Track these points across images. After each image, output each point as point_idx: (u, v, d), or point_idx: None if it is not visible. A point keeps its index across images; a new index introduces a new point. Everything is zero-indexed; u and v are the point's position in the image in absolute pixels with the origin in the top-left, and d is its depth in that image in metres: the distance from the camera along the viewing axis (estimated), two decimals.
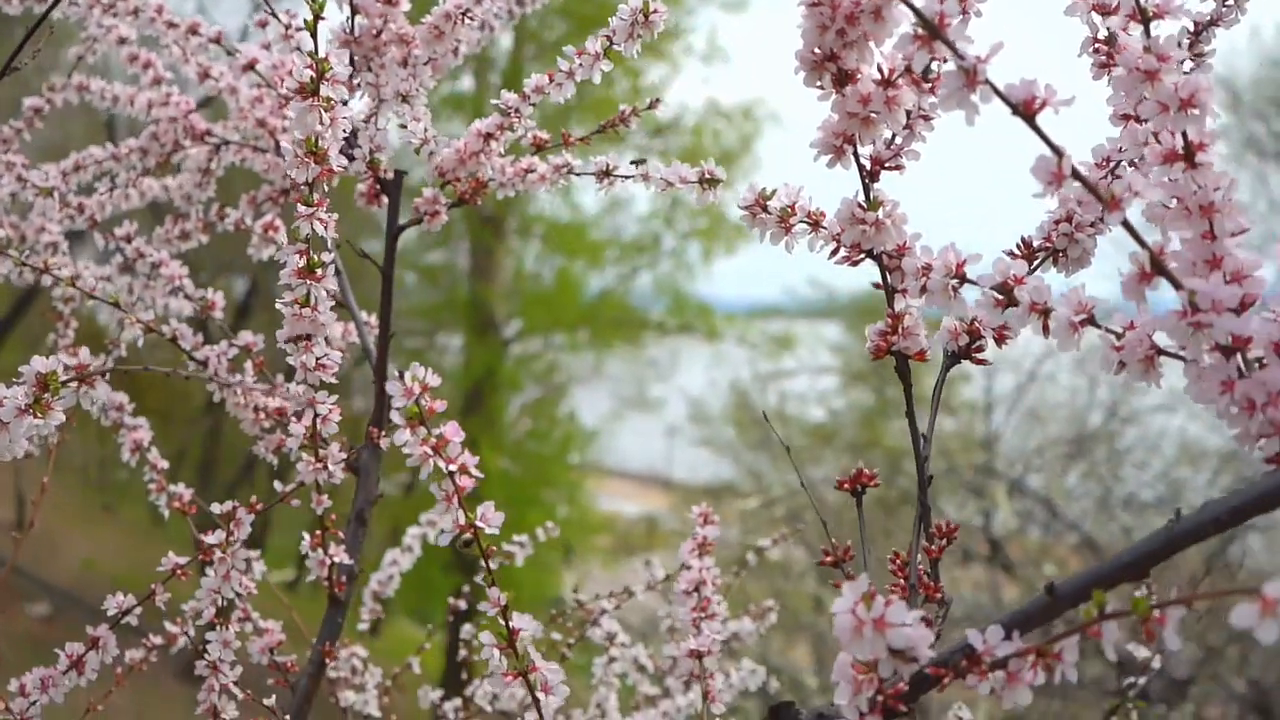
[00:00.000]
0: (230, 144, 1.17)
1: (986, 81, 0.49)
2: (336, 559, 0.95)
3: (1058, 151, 0.50)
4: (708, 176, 0.83)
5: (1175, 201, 0.54)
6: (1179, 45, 0.71)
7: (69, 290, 1.22)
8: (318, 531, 0.94)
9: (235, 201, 1.25)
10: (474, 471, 0.61)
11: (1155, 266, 0.51)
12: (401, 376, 0.59)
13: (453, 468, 0.60)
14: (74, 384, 0.64)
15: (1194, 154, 0.53)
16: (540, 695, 0.63)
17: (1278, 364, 0.51)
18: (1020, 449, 6.73)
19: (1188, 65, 0.71)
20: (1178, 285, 0.50)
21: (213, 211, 1.20)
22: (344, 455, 0.89)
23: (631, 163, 0.95)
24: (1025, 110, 0.50)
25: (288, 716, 0.92)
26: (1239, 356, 0.51)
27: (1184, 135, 0.53)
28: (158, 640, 1.10)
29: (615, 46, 0.87)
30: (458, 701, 1.31)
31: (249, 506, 0.90)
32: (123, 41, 1.18)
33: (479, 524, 0.62)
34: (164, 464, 1.08)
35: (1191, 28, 0.72)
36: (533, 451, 11.11)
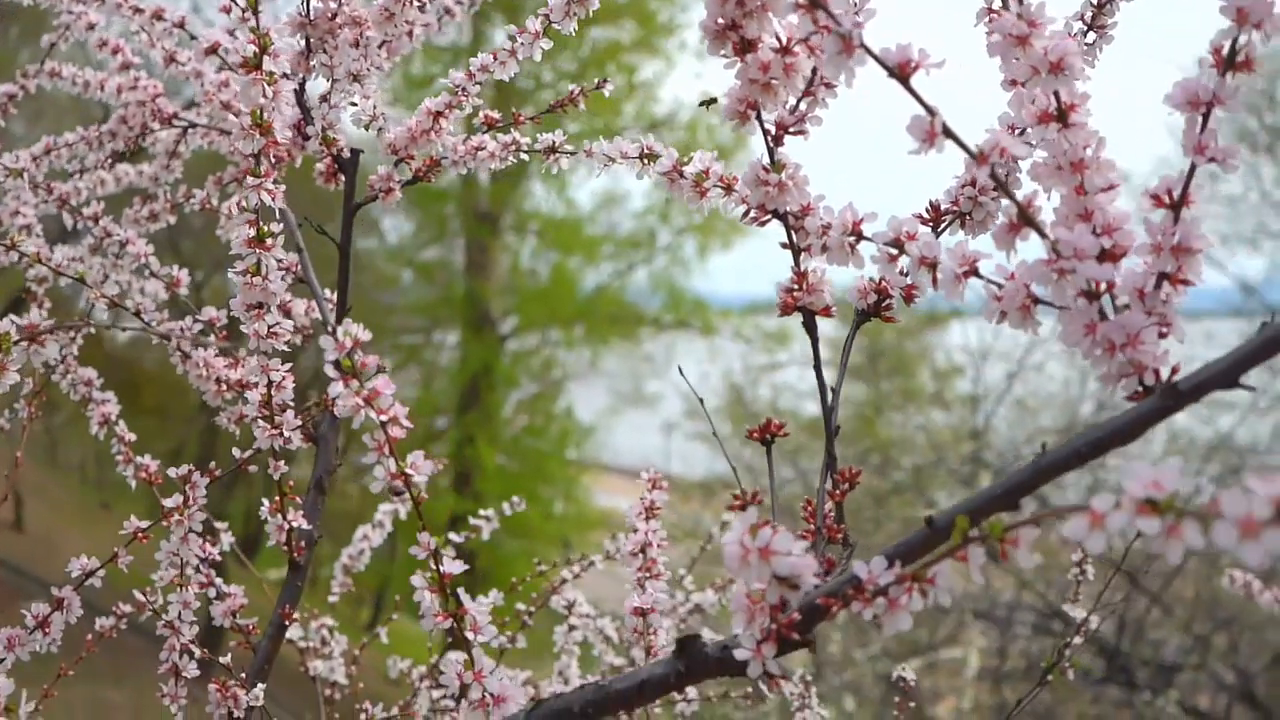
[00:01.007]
0: (197, 127, 1.21)
1: (863, 46, 0.53)
2: (295, 524, 0.99)
3: (931, 111, 0.53)
4: (646, 152, 0.87)
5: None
6: (1081, 18, 0.75)
7: (40, 270, 1.26)
8: (276, 498, 0.98)
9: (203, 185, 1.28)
10: (404, 422, 0.65)
11: (1023, 217, 0.54)
12: (334, 333, 0.63)
13: (384, 418, 0.64)
14: (24, 343, 0.67)
15: (1066, 114, 0.57)
16: (470, 635, 0.67)
17: (1140, 309, 0.54)
18: (1011, 439, 6.77)
19: (1091, 37, 0.75)
20: (1044, 235, 0.54)
21: (180, 193, 1.23)
22: (299, 422, 0.93)
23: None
24: (900, 73, 0.53)
25: (244, 674, 0.96)
26: (1103, 302, 0.54)
27: (1056, 96, 0.56)
28: (126, 608, 1.14)
29: (554, 24, 0.90)
30: (423, 669, 1.35)
31: (206, 472, 0.94)
32: (92, 27, 1.22)
33: (409, 472, 0.65)
34: (132, 436, 1.11)
35: (1095, 1, 0.75)
36: (530, 447, 11.14)
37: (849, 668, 5.32)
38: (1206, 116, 0.55)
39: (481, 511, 1.37)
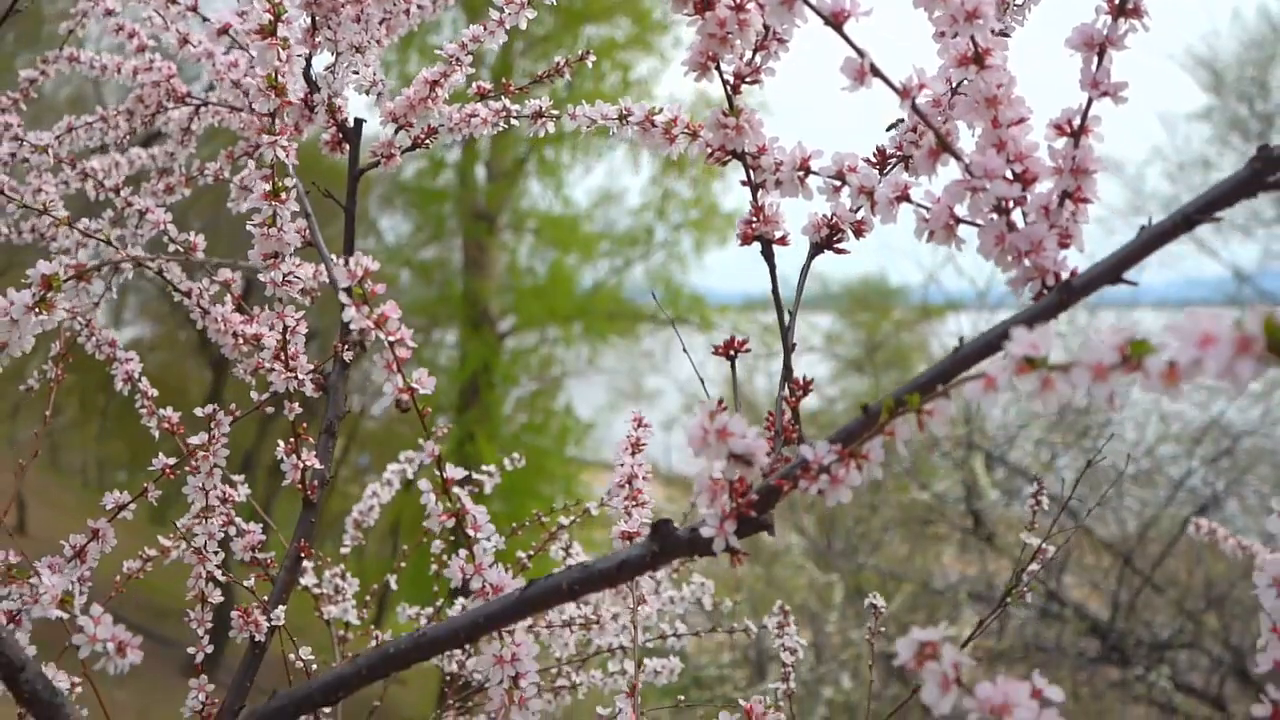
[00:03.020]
0: (209, 104, 1.29)
1: None
2: (309, 464, 1.07)
3: (860, 53, 0.62)
4: (624, 113, 0.95)
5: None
6: None
7: (64, 243, 1.34)
8: (291, 439, 1.06)
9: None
10: (409, 343, 0.73)
11: (940, 144, 0.63)
12: (346, 262, 0.71)
13: (393, 339, 0.72)
14: (73, 280, 0.75)
15: (982, 58, 0.65)
16: (471, 533, 0.75)
17: (1043, 223, 0.63)
18: (1003, 423, 6.86)
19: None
20: (959, 158, 0.62)
21: (194, 167, 1.32)
22: (312, 366, 1.01)
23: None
24: (835, 20, 0.62)
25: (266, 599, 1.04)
26: (1014, 218, 0.63)
27: (973, 41, 0.65)
28: (152, 552, 1.22)
29: None
30: (429, 611, 1.43)
31: (228, 411, 1.03)
32: (109, 13, 1.30)
33: (415, 385, 0.74)
34: (154, 391, 1.20)
35: None
36: (529, 444, 11.21)
37: (847, 648, 5.41)
38: (1101, 55, 0.63)
39: (484, 467, 1.45)
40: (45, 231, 1.47)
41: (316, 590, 1.38)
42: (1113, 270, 0.58)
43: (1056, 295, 0.59)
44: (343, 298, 0.72)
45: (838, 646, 5.39)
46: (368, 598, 1.42)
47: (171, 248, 1.19)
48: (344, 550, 1.45)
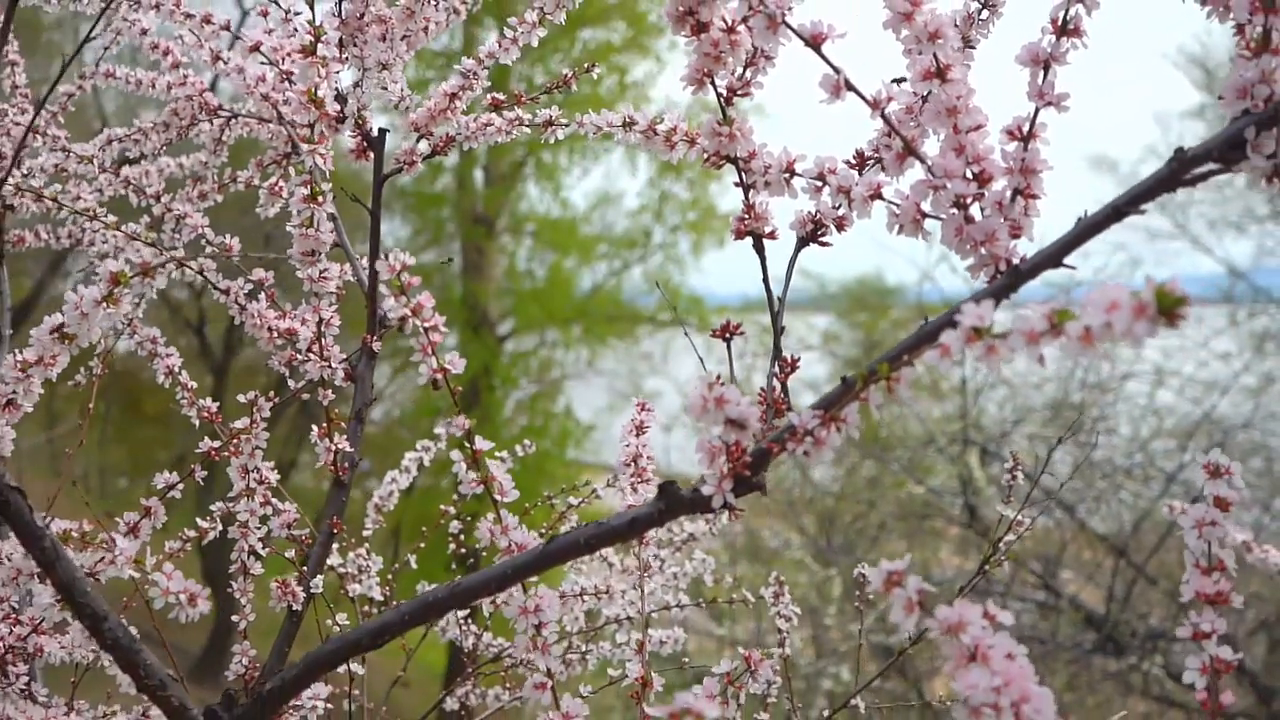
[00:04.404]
0: (239, 117, 1.38)
1: (784, 23, 0.71)
2: (340, 448, 1.17)
3: (836, 70, 0.71)
4: (628, 121, 1.04)
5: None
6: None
7: (103, 247, 1.44)
8: (325, 424, 1.16)
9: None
10: (441, 329, 0.83)
11: (907, 149, 0.72)
12: (386, 256, 0.80)
13: (428, 324, 0.82)
14: (139, 276, 0.85)
15: (944, 72, 0.74)
16: (498, 497, 0.84)
17: (997, 217, 0.72)
18: (999, 419, 6.96)
19: (984, 14, 0.93)
20: (923, 161, 0.72)
21: (226, 175, 1.41)
22: (344, 356, 1.11)
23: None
24: (814, 42, 0.71)
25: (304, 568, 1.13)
26: (971, 211, 0.72)
27: (935, 58, 0.74)
28: (191, 534, 1.32)
29: (548, 15, 1.08)
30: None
31: (267, 397, 1.12)
32: (144, 32, 1.39)
33: (447, 366, 0.83)
34: (193, 384, 1.29)
35: None
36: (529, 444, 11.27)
37: (846, 642, 5.50)
38: (1046, 70, 0.72)
39: (498, 454, 1.54)
40: (81, 237, 1.57)
41: (341, 570, 1.47)
42: (1054, 256, 0.68)
43: (1007, 278, 0.69)
44: (383, 288, 0.81)
45: (836, 640, 5.49)
46: (390, 576, 1.51)
47: (208, 249, 1.28)
48: (365, 533, 1.54)
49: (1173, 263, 9.06)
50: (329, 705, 1.08)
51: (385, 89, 1.13)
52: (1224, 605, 0.70)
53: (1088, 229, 0.67)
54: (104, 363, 1.35)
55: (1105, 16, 0.89)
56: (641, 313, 12.33)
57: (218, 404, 1.23)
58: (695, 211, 11.99)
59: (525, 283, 12.25)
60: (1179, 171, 0.65)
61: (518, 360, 12.08)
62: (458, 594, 0.79)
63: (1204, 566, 0.70)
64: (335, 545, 1.46)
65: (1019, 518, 1.33)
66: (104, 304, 0.88)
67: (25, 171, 1.42)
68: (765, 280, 0.85)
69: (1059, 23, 0.72)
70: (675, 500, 0.77)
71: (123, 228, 1.20)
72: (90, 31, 1.04)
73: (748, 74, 0.82)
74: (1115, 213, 0.66)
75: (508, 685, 1.53)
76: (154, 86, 1.43)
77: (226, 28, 1.31)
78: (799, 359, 0.83)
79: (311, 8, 0.91)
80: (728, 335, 0.86)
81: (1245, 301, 8.97)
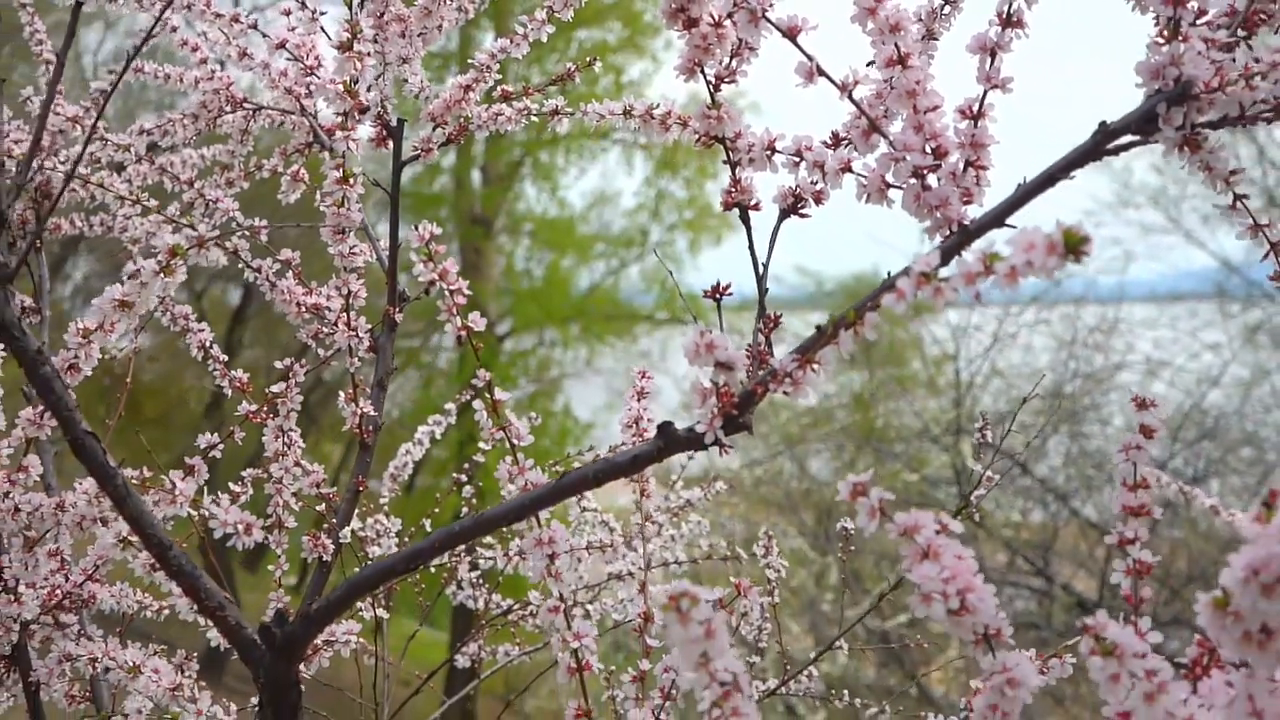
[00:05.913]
0: (263, 109, 1.49)
1: (765, 17, 0.81)
2: (365, 411, 1.27)
3: (810, 58, 0.82)
4: (628, 109, 1.15)
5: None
6: None
7: (135, 233, 1.54)
8: (350, 389, 1.26)
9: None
10: (465, 291, 0.93)
11: (872, 127, 0.83)
12: (416, 227, 0.91)
13: (452, 288, 0.92)
14: (195, 249, 0.95)
15: (905, 60, 0.85)
16: (515, 441, 0.95)
17: (950, 185, 0.83)
18: (993, 408, 7.08)
19: (947, 9, 1.03)
20: (885, 136, 0.82)
21: (252, 163, 1.51)
22: (370, 326, 1.21)
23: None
24: (790, 33, 0.82)
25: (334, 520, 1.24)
26: (928, 180, 0.83)
27: (897, 47, 0.85)
28: (225, 496, 1.42)
29: (556, 13, 1.19)
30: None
31: (299, 365, 1.22)
32: (175, 30, 1.50)
33: (470, 324, 0.94)
34: (225, 357, 1.40)
35: None
36: (529, 447, 11.36)
37: (840, 625, 5.62)
38: (993, 57, 0.83)
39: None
40: (112, 224, 1.67)
41: (361, 534, 1.57)
42: (998, 218, 0.78)
43: (958, 237, 0.79)
44: (413, 255, 0.92)
45: (833, 626, 5.60)
46: (407, 538, 1.61)
47: (239, 232, 1.38)
48: (382, 501, 1.65)
49: (1166, 256, 9.17)
50: (359, 639, 1.18)
51: (406, 81, 1.23)
52: (1146, 517, 0.81)
53: (1026, 193, 0.77)
54: (138, 335, 1.45)
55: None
56: (639, 311, 12.43)
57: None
58: (692, 210, 12.10)
59: (523, 282, 12.35)
60: (1102, 142, 0.76)
61: (516, 360, 12.18)
62: (481, 523, 0.89)
63: (1130, 485, 0.81)
64: (355, 512, 1.57)
65: (989, 474, 1.43)
66: (161, 274, 0.98)
67: (63, 160, 1.52)
68: (751, 246, 0.96)
69: (1004, 16, 0.83)
70: (672, 438, 0.87)
71: (163, 212, 1.30)
72: (151, 30, 1.14)
73: (733, 63, 0.93)
74: (1050, 179, 0.76)
75: (517, 641, 1.64)
76: (182, 81, 1.53)
77: (254, 26, 1.41)
78: (781, 315, 0.94)
79: (350, 7, 1.01)
80: (718, 295, 0.97)
81: (1238, 295, 9.10)
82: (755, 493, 8.56)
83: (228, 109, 1.51)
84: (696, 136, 0.94)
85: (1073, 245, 0.59)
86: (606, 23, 11.46)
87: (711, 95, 0.92)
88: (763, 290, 0.96)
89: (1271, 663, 0.58)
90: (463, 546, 1.66)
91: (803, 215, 0.98)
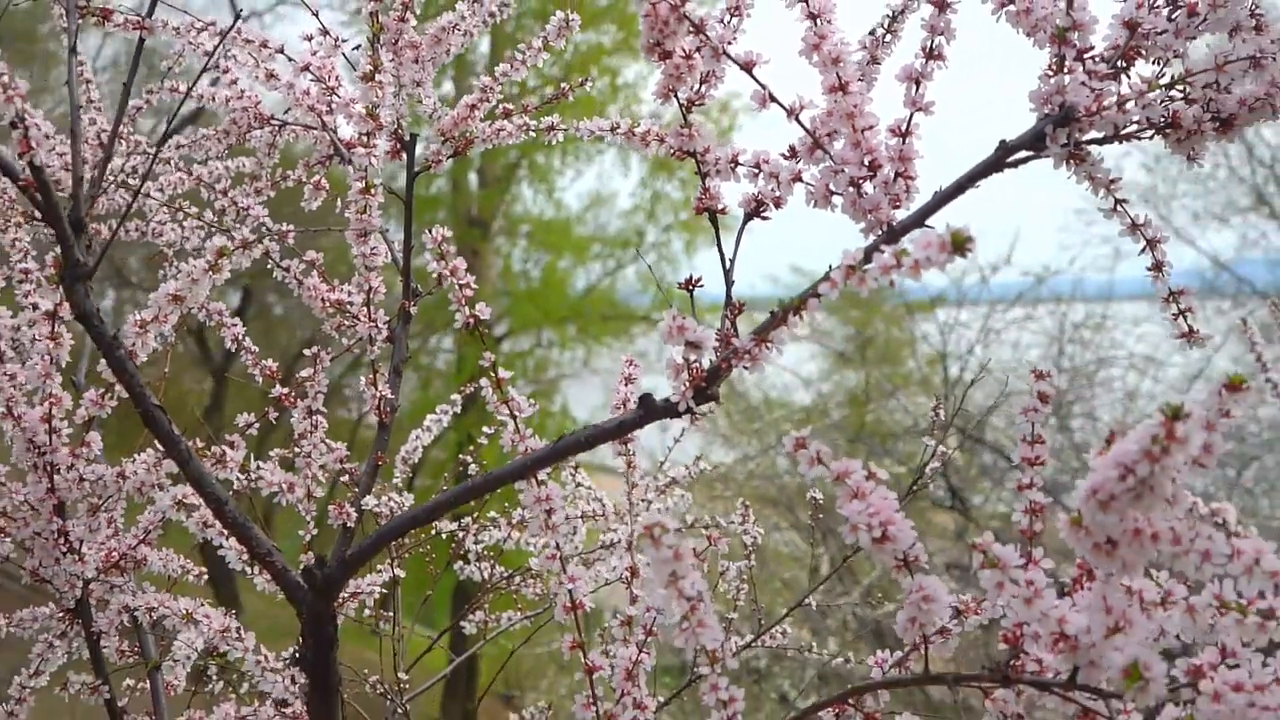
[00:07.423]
0: (288, 125, 1.65)
1: (725, 53, 0.97)
2: (383, 394, 1.43)
3: (763, 86, 0.98)
4: (614, 126, 1.31)
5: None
6: (883, 25, 1.19)
7: (169, 237, 1.70)
8: (370, 375, 1.42)
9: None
10: (472, 285, 1.09)
11: (815, 143, 0.99)
12: (430, 229, 1.07)
13: (462, 281, 1.08)
14: (240, 249, 1.11)
15: (845, 86, 1.01)
16: (516, 413, 1.11)
17: (882, 192, 0.99)
18: (982, 404, 7.25)
19: (889, 38, 1.19)
20: (827, 152, 0.99)
21: (278, 174, 1.67)
22: (388, 317, 1.37)
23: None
24: (746, 67, 0.98)
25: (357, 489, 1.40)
26: (864, 188, 0.99)
27: (838, 76, 1.01)
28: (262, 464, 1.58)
29: (551, 43, 1.35)
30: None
31: (326, 352, 1.38)
32: (209, 54, 1.65)
33: (477, 313, 1.09)
34: (255, 349, 1.55)
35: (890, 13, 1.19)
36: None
37: (832, 615, 5.78)
38: (918, 84, 0.99)
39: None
40: (146, 229, 1.83)
41: (376, 510, 1.73)
42: (917, 220, 0.94)
43: (885, 236, 0.95)
44: (427, 255, 1.08)
45: (823, 613, 5.76)
46: None
47: (268, 237, 1.54)
48: (395, 481, 1.80)
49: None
50: (383, 591, 1.33)
51: (420, 102, 1.39)
52: (1040, 466, 0.97)
53: (942, 199, 0.94)
54: (175, 331, 1.60)
55: (1015, 43, 1.13)
56: (635, 312, 12.58)
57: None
58: (688, 211, 12.25)
59: (520, 283, 12.49)
60: (1003, 156, 0.92)
61: (514, 360, 12.32)
62: (490, 479, 1.05)
63: (1028, 440, 0.97)
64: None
65: (944, 449, 1.59)
66: (210, 271, 1.14)
67: (114, 172, 1.68)
68: (718, 242, 1.12)
69: (927, 49, 0.99)
70: (651, 407, 1.03)
71: (200, 218, 1.46)
72: (206, 64, 1.30)
73: (702, 89, 1.09)
74: (958, 188, 0.93)
75: (519, 606, 1.79)
76: (214, 100, 1.69)
77: (281, 50, 1.57)
78: (745, 304, 1.10)
79: (373, 43, 1.17)
80: (690, 287, 1.13)
81: (1228, 293, 9.27)
82: (748, 487, 8.72)
83: (255, 125, 1.67)
84: (671, 150, 1.10)
85: (959, 244, 0.75)
86: (602, 25, 11.61)
87: (684, 116, 1.08)
88: (730, 281, 1.12)
89: (1119, 568, 0.74)
90: (470, 521, 1.83)
91: (764, 218, 1.14)
